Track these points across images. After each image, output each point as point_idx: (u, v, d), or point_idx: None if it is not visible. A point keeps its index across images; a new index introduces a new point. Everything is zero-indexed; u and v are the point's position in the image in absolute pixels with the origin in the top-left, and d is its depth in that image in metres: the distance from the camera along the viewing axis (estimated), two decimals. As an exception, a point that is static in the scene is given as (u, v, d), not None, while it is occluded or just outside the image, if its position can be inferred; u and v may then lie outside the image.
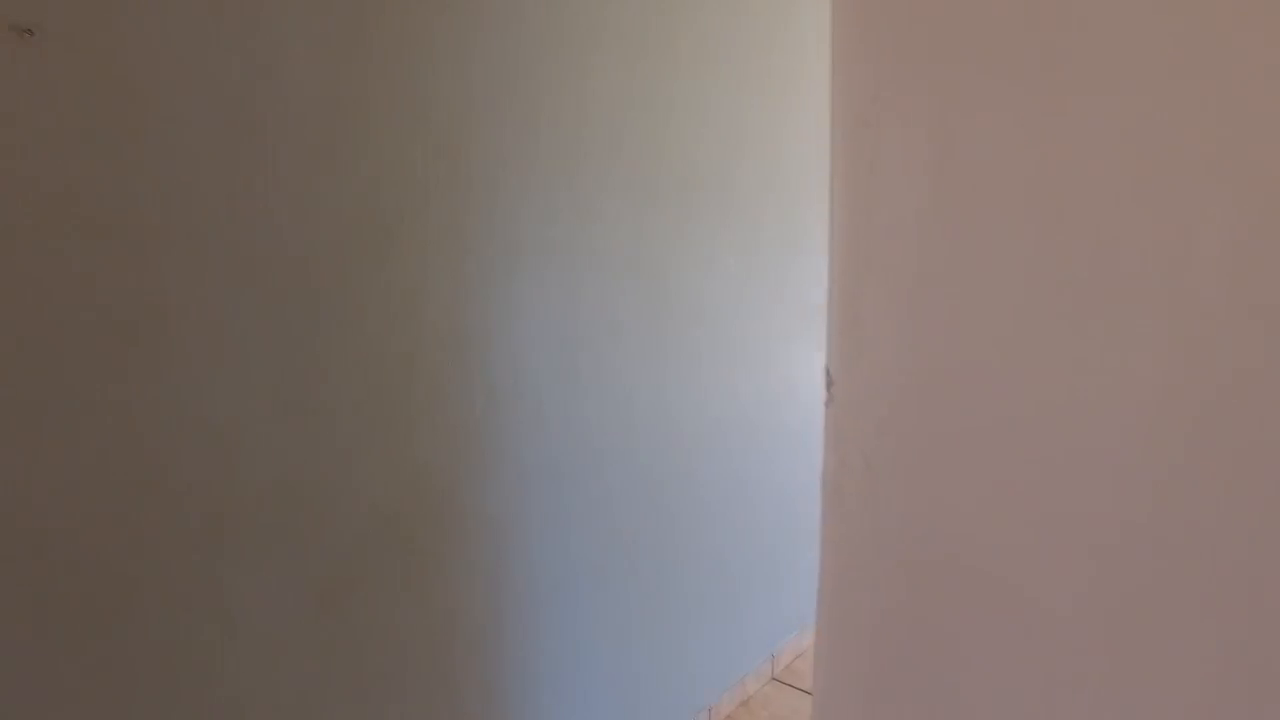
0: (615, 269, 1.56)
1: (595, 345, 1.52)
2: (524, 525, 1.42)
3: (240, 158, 0.99)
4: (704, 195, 1.77)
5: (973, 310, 0.38)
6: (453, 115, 1.22)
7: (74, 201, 0.87)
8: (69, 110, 0.86)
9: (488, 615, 1.38)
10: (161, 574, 0.98)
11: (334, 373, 1.11)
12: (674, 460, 1.77)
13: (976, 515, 0.39)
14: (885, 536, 0.40)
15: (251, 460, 1.04)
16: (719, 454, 1.91)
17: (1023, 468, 0.38)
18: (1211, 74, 0.32)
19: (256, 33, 0.99)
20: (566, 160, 1.42)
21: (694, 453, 1.82)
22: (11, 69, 0.81)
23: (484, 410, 1.32)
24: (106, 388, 0.91)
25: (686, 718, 1.92)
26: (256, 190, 1.01)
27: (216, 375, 1.00)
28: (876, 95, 0.39)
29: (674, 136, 1.66)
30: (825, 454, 0.42)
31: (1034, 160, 0.36)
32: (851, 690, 0.44)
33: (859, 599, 0.42)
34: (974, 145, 0.37)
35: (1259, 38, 0.31)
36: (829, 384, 0.41)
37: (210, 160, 0.97)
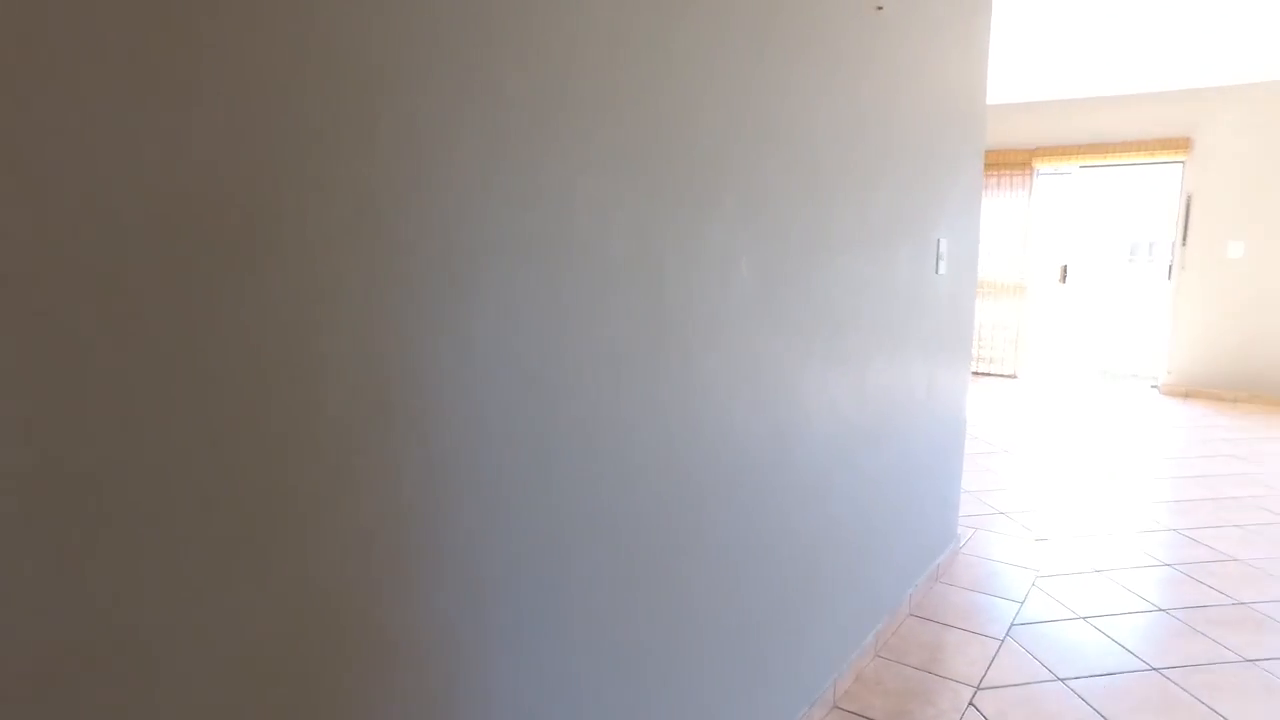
0: (608, 277, 1.14)
1: (580, 383, 1.11)
2: (478, 650, 0.99)
3: (-27, 88, 0.55)
4: (722, 181, 1.37)
5: None
6: (365, 43, 0.80)
7: None
8: None
9: (427, 772, 0.96)
10: None
11: (164, 455, 0.68)
12: (676, 525, 1.36)
13: None
14: None
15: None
16: (728, 510, 1.51)
17: None
18: None
19: None
20: (542, 119, 1.01)
21: (700, 510, 1.42)
22: None
23: (418, 494, 0.89)
24: None
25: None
26: None
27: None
28: None
29: (688, 102, 1.26)
30: None
31: None
32: None
33: None
34: None
35: None
36: None
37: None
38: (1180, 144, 6.43)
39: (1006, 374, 7.42)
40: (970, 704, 2.10)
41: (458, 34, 0.88)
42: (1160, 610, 2.68)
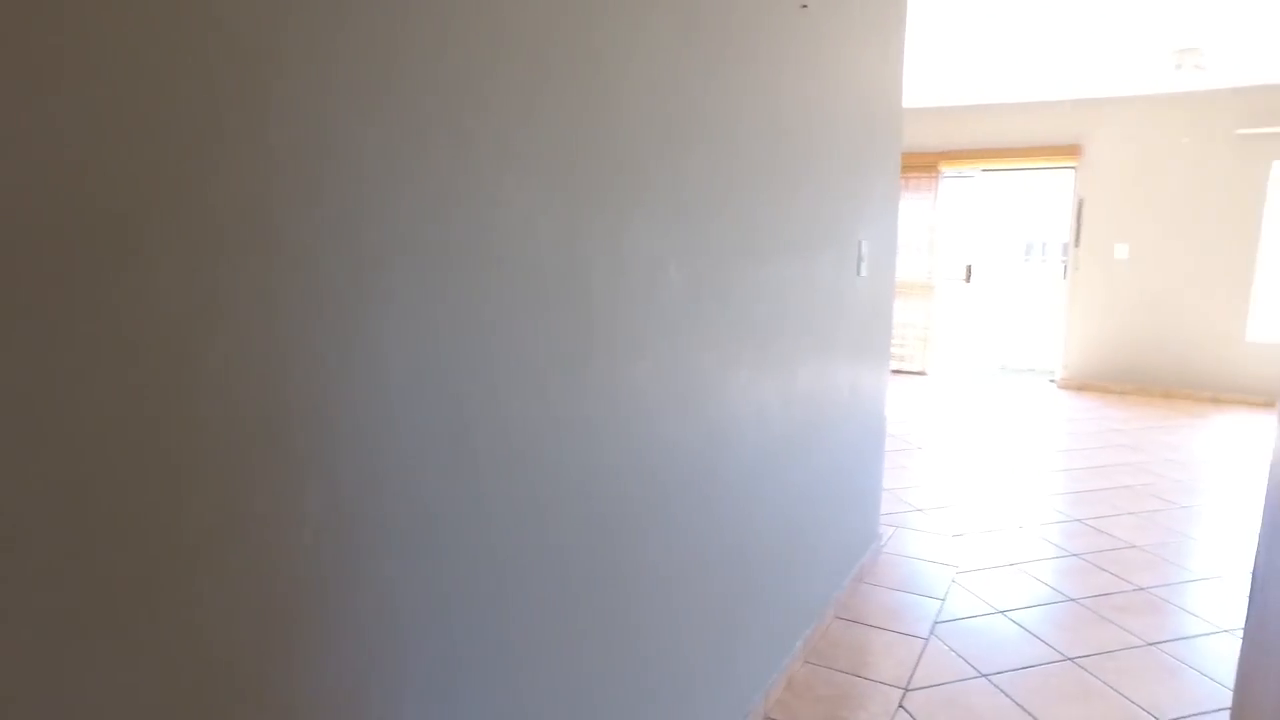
0: (534, 285, 1.06)
1: (506, 400, 1.02)
2: (397, 709, 0.89)
3: None
4: (650, 183, 1.30)
5: None
6: (254, 25, 0.69)
7: None
8: None
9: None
10: None
11: (4, 499, 0.56)
12: (612, 546, 1.29)
13: None
14: None
15: None
16: (663, 526, 1.44)
17: None
18: None
19: None
20: (461, 117, 0.91)
21: (635, 529, 1.35)
22: None
23: (322, 536, 0.79)
24: None
25: None
26: None
27: None
28: None
29: (614, 103, 1.18)
30: None
31: None
32: None
33: None
34: None
35: None
36: None
37: None
38: (1072, 150, 6.77)
39: (916, 371, 7.65)
40: (900, 706, 2.10)
41: (363, 20, 0.78)
42: (1071, 600, 2.78)
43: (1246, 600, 1.00)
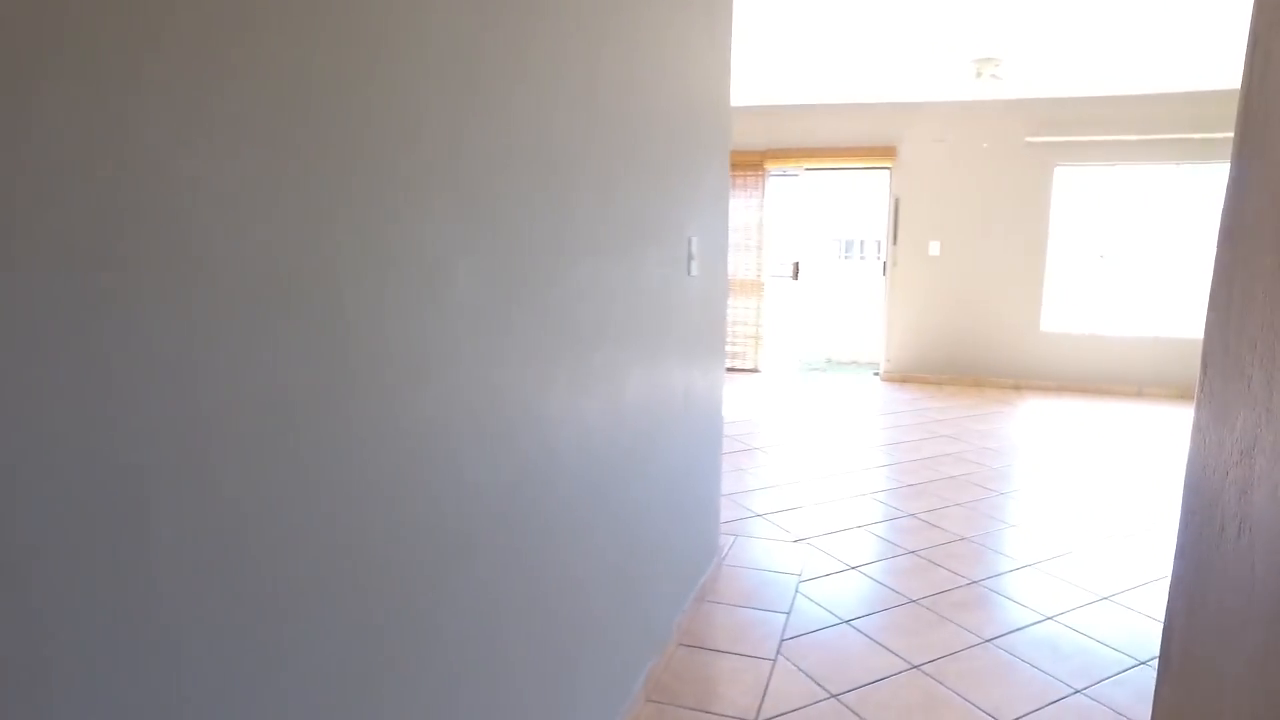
0: (250, 299, 0.74)
1: (216, 469, 0.70)
2: None
3: None
4: (429, 162, 1.00)
5: None
6: None
7: None
8: None
9: None
10: None
11: None
12: (391, 632, 0.98)
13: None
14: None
15: None
16: (462, 590, 1.15)
17: None
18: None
19: None
20: (126, 61, 0.58)
21: (423, 602, 1.05)
22: None
23: None
24: None
25: None
26: None
27: None
28: None
29: (376, 50, 0.88)
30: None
31: None
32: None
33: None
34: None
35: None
36: None
37: None
38: (887, 152, 7.07)
39: (750, 369, 7.75)
40: (750, 744, 1.93)
41: None
42: (912, 602, 2.74)
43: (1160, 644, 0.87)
